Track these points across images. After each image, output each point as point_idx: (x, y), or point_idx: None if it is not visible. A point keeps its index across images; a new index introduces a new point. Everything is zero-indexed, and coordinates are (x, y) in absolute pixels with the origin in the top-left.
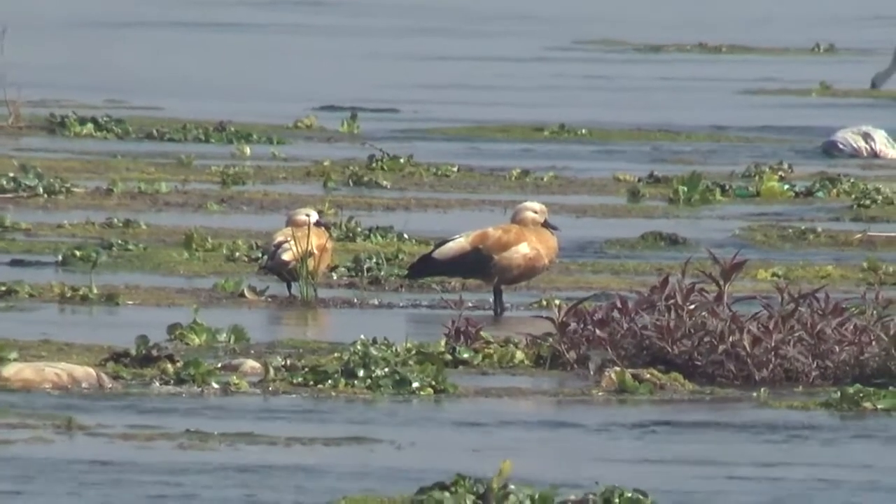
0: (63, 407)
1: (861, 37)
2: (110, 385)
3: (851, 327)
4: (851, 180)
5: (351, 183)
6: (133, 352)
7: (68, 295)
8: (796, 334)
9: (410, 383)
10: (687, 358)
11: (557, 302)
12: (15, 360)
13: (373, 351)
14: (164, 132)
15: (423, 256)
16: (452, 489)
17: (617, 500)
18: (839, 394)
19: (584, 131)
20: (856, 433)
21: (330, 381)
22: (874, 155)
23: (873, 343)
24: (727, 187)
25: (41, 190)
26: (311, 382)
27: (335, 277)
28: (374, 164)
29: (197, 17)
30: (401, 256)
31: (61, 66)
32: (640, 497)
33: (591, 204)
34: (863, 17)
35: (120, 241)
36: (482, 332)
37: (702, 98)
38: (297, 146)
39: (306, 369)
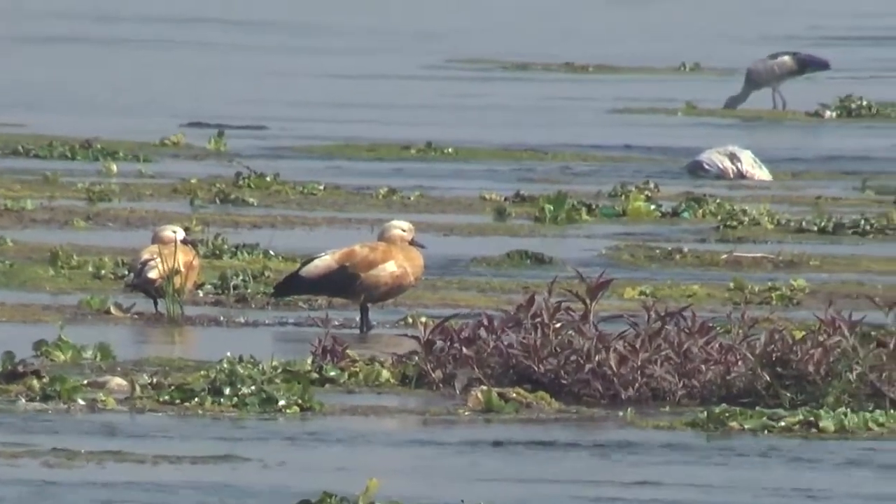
0: None
1: (727, 56)
2: None
3: (718, 346)
4: (717, 201)
5: (218, 200)
6: None
7: None
8: (663, 353)
9: (277, 401)
10: (553, 377)
11: (423, 320)
12: None
13: (239, 369)
14: (30, 149)
15: (289, 275)
16: None
17: None
18: (706, 413)
19: (450, 150)
20: (722, 453)
21: (196, 399)
22: (740, 175)
23: (739, 362)
24: (593, 206)
25: None
26: (178, 400)
27: (202, 295)
28: (240, 182)
29: (63, 32)
30: (267, 274)
31: None
32: None
33: (457, 222)
34: (729, 37)
35: None
36: (348, 351)
37: (568, 117)
38: (163, 163)
39: (173, 387)
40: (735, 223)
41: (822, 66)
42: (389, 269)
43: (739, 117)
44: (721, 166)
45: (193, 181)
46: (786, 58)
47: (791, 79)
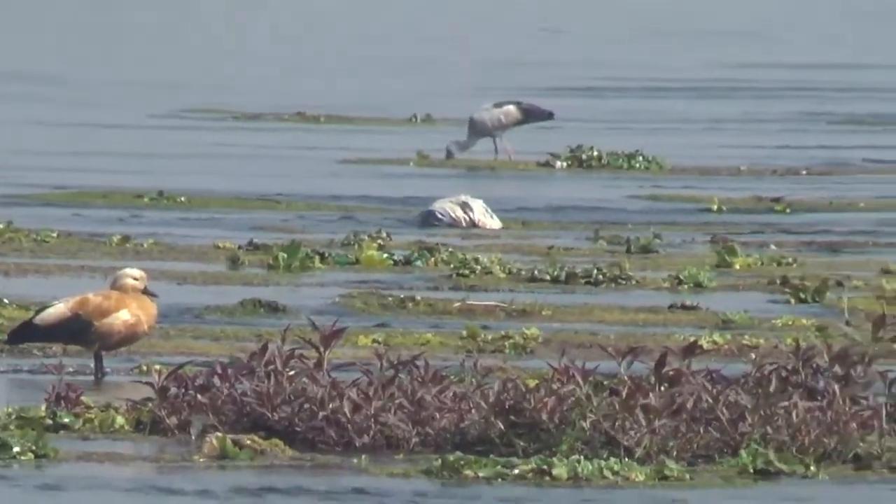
0: None
1: (458, 108)
2: None
3: (451, 395)
4: (450, 249)
5: None
6: None
7: None
8: (396, 401)
9: (11, 448)
10: (287, 424)
11: (157, 367)
12: None
13: None
14: None
15: (23, 322)
16: None
17: None
18: (440, 461)
19: (183, 199)
20: (458, 501)
21: None
22: (472, 224)
23: (473, 410)
24: (326, 255)
25: None
26: None
27: None
28: None
29: None
30: (1, 321)
31: None
32: None
33: (191, 271)
34: (461, 89)
35: None
36: (83, 397)
37: (301, 167)
38: None
39: None
40: (467, 272)
41: (546, 116)
42: (123, 317)
43: (470, 167)
44: (453, 215)
45: None
46: (511, 107)
47: (515, 127)
